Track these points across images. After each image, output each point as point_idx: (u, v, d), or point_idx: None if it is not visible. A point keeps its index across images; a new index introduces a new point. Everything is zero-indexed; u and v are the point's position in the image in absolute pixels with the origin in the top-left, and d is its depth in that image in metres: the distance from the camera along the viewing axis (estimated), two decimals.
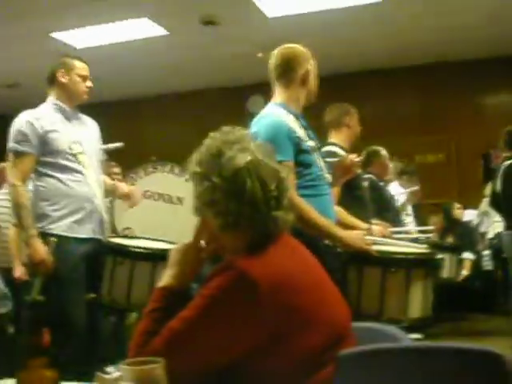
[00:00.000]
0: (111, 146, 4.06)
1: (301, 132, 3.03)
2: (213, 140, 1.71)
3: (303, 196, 2.90)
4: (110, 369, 5.22)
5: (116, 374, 4.85)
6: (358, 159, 3.43)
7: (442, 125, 9.48)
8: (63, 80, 3.65)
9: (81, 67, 3.71)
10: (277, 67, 3.20)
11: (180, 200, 4.29)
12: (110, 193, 3.98)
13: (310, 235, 2.87)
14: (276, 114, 3.02)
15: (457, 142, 9.45)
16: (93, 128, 3.84)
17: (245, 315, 1.51)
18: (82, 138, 3.64)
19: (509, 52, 8.74)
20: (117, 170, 5.86)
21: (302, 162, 2.98)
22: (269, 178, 1.65)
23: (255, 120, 3.06)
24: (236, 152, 1.64)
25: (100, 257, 3.56)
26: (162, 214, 4.21)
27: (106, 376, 4.85)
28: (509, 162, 5.26)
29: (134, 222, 4.25)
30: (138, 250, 3.57)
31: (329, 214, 3.09)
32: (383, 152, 5.77)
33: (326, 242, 3.05)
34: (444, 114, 9.45)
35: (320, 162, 3.13)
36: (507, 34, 8.11)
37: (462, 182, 9.29)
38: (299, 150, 2.97)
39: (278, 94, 3.18)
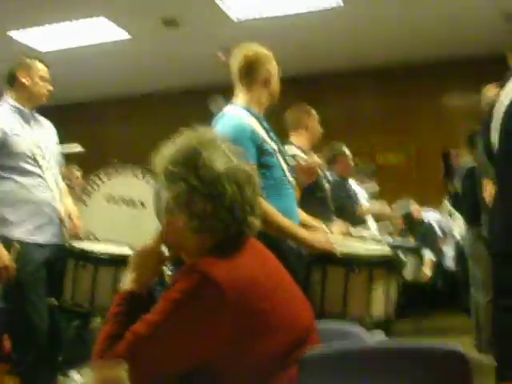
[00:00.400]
0: (69, 149, 3.98)
1: (263, 134, 3.03)
2: (188, 139, 1.69)
3: (266, 198, 2.91)
4: (72, 373, 5.20)
5: (78, 378, 4.82)
6: (318, 161, 3.45)
7: (403, 125, 9.58)
8: (24, 81, 3.56)
9: (42, 69, 3.64)
10: (239, 68, 3.19)
11: (142, 204, 4.25)
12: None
13: (274, 237, 2.88)
14: (238, 115, 3.01)
15: (417, 142, 9.56)
16: (50, 130, 3.76)
17: (208, 318, 1.51)
18: (41, 140, 3.57)
19: (468, 53, 8.87)
20: (78, 173, 5.79)
21: (264, 163, 2.97)
22: (245, 184, 1.65)
23: (217, 119, 3.04)
24: (213, 154, 1.64)
25: (60, 261, 3.51)
26: (125, 217, 4.16)
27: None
28: (467, 161, 5.33)
29: (96, 226, 4.20)
30: (101, 256, 3.53)
31: (292, 215, 3.10)
32: (347, 151, 5.80)
33: (290, 243, 3.06)
34: (404, 114, 9.56)
35: (283, 164, 3.14)
36: (467, 36, 8.24)
37: (422, 181, 9.40)
38: (262, 152, 2.96)
39: (240, 95, 3.17)
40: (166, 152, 1.69)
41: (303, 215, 3.45)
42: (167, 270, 3.68)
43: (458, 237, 7.23)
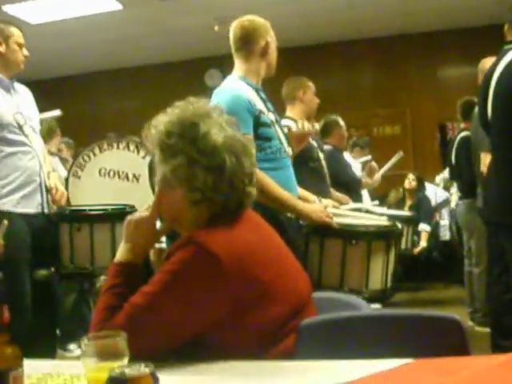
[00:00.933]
0: (48, 114, 3.94)
1: (261, 105, 3.02)
2: (183, 112, 1.67)
3: (264, 169, 2.90)
4: (71, 346, 5.22)
5: (78, 352, 4.87)
6: (312, 127, 3.44)
7: (398, 97, 9.56)
8: (0, 49, 3.46)
9: (18, 34, 3.51)
10: (236, 40, 3.18)
11: (136, 177, 4.25)
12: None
13: (272, 208, 2.89)
14: (236, 87, 3.01)
15: (412, 114, 9.55)
16: (28, 97, 3.68)
17: (207, 289, 1.52)
18: (23, 108, 3.50)
19: (463, 23, 8.83)
20: (65, 150, 5.75)
21: (262, 135, 2.97)
22: (243, 155, 1.65)
23: (215, 92, 3.04)
24: (210, 126, 1.63)
25: (48, 231, 3.52)
26: (118, 191, 4.16)
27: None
28: (463, 133, 5.32)
29: (88, 198, 4.20)
30: (95, 212, 3.58)
31: (290, 187, 3.10)
32: (341, 122, 5.77)
33: (288, 214, 3.06)
34: (400, 86, 9.53)
35: (280, 135, 3.13)
36: (461, 5, 8.19)
37: (418, 153, 9.40)
38: (259, 123, 2.96)
39: (238, 67, 3.16)
40: (161, 125, 1.66)
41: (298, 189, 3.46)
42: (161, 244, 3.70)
43: (453, 205, 7.26)
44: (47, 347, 3.53)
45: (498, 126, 2.91)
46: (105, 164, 4.22)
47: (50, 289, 3.66)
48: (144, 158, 4.18)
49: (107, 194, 4.12)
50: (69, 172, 4.28)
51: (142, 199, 3.76)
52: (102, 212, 3.59)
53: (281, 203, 2.96)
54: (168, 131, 1.64)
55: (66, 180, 4.28)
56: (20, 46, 3.51)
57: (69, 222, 3.55)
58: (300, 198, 3.21)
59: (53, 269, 3.56)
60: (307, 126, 3.46)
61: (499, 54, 3.00)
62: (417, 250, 7.13)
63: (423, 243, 7.25)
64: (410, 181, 7.73)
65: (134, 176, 4.24)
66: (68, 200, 4.22)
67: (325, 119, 5.69)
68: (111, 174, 4.25)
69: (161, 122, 1.67)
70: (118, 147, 4.28)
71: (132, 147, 4.26)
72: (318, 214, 3.02)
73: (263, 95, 3.12)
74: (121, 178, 4.24)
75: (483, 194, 3.18)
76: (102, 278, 4.66)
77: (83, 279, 4.47)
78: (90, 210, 3.59)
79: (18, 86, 3.62)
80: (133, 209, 3.48)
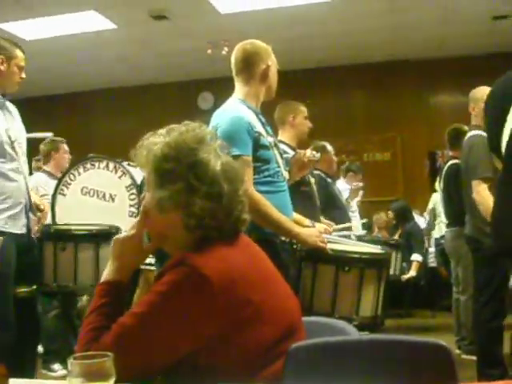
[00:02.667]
0: (39, 134, 3.95)
1: (260, 128, 3.04)
2: (180, 136, 1.65)
3: (261, 192, 2.91)
4: (55, 366, 5.17)
5: (61, 372, 4.81)
6: (315, 155, 3.46)
7: (389, 124, 9.64)
8: (1, 68, 3.46)
9: (21, 57, 3.55)
10: (237, 63, 3.20)
11: (112, 197, 4.29)
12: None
13: (266, 232, 2.90)
14: (236, 109, 3.02)
15: (403, 140, 9.61)
16: (17, 116, 3.68)
17: (196, 311, 1.51)
18: (12, 127, 3.52)
19: (455, 52, 8.93)
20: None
21: (260, 157, 2.98)
22: (237, 182, 1.66)
23: (216, 113, 3.05)
24: (209, 154, 1.62)
25: (32, 251, 3.53)
26: (97, 210, 4.19)
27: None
28: (452, 161, 5.36)
29: (71, 218, 4.23)
30: (80, 232, 3.59)
31: (286, 210, 3.11)
32: (329, 147, 5.80)
33: (283, 238, 3.06)
34: (391, 112, 9.61)
35: (278, 159, 3.14)
36: (455, 34, 8.30)
37: (407, 180, 9.47)
38: (258, 146, 2.97)
39: (239, 90, 3.18)
40: (156, 147, 1.64)
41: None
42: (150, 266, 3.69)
43: (437, 235, 7.31)
44: (28, 365, 3.50)
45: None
46: (86, 183, 4.27)
47: (31, 306, 3.64)
48: (120, 178, 4.23)
49: (88, 213, 4.14)
50: (55, 189, 4.30)
51: (116, 219, 3.80)
52: (86, 232, 3.61)
53: (277, 226, 2.97)
54: (165, 155, 1.62)
55: (53, 196, 4.30)
56: (20, 68, 3.55)
57: (53, 241, 3.56)
58: (294, 221, 3.22)
59: (34, 286, 3.55)
60: (310, 153, 3.47)
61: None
62: (405, 277, 7.14)
63: (413, 272, 7.25)
64: (388, 215, 7.88)
65: (111, 196, 4.28)
66: (53, 217, 4.23)
67: (313, 145, 5.71)
68: (91, 192, 4.29)
69: (154, 143, 1.65)
70: (98, 167, 4.33)
71: (111, 167, 4.31)
72: (314, 239, 3.03)
73: (262, 118, 3.14)
74: (99, 197, 4.28)
75: (493, 222, 3.15)
76: (84, 298, 4.64)
77: (65, 298, 4.45)
78: (76, 230, 3.60)
79: (9, 104, 3.63)
80: (118, 230, 3.51)
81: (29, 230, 3.53)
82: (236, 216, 1.65)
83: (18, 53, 3.55)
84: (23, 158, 3.55)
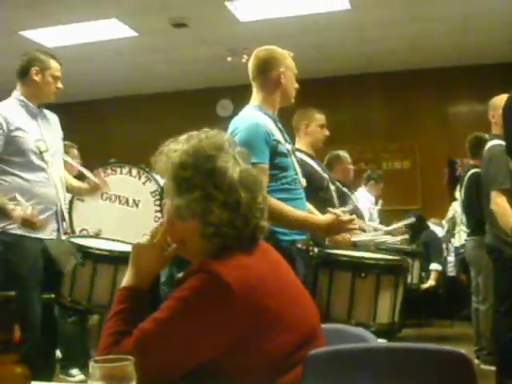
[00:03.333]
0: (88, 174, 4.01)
1: (278, 135, 3.03)
2: (199, 144, 1.65)
3: (279, 199, 2.90)
4: (74, 371, 5.19)
5: (79, 377, 4.82)
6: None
7: (408, 132, 9.59)
8: (36, 78, 3.56)
9: (56, 68, 3.64)
10: (252, 69, 3.21)
11: (136, 203, 4.29)
12: (74, 191, 4.00)
13: (282, 239, 2.89)
14: (254, 116, 3.02)
15: (422, 149, 9.56)
16: (55, 125, 3.77)
17: (217, 318, 1.51)
18: (46, 136, 3.58)
19: (475, 61, 8.89)
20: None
21: (278, 164, 2.98)
22: (256, 190, 1.65)
23: (234, 120, 3.06)
24: (227, 161, 1.62)
25: (59, 257, 3.52)
26: (118, 216, 4.19)
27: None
28: (473, 170, 5.33)
29: (90, 223, 4.24)
30: (101, 252, 3.55)
31: None
32: (344, 156, 5.77)
33: (299, 245, 3.05)
34: (410, 121, 9.57)
35: (296, 166, 3.13)
36: (474, 44, 8.26)
37: (426, 188, 9.41)
38: (276, 153, 2.96)
39: (255, 96, 3.18)
40: (175, 154, 1.64)
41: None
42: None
43: (458, 244, 7.25)
44: (46, 370, 3.52)
45: None
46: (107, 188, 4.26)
47: (51, 312, 3.69)
48: (144, 184, 4.23)
49: (108, 219, 4.15)
50: (73, 195, 4.33)
51: (141, 224, 3.79)
52: (107, 253, 3.58)
53: (294, 223, 2.93)
54: (183, 163, 1.62)
55: (70, 202, 4.32)
56: (55, 78, 3.63)
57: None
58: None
59: (53, 295, 3.57)
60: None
61: None
62: (424, 287, 7.09)
63: (432, 282, 7.20)
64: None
65: (134, 201, 4.28)
66: (71, 223, 4.26)
67: (328, 155, 5.71)
68: (113, 198, 4.29)
69: (174, 150, 1.65)
70: (121, 172, 4.33)
71: (134, 173, 4.31)
72: (334, 227, 2.93)
73: (280, 125, 3.13)
74: (121, 202, 4.28)
75: None
76: (95, 317, 4.65)
77: (77, 313, 4.44)
78: (97, 249, 3.57)
79: (47, 113, 3.72)
80: None
81: (59, 235, 3.57)
82: (254, 224, 1.64)
83: (53, 63, 3.63)
84: (56, 167, 3.60)
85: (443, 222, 8.02)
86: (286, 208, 2.89)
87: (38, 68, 3.57)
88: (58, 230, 3.57)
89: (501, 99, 4.15)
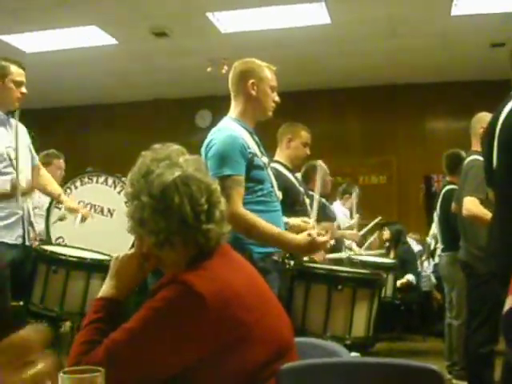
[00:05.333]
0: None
1: (254, 147, 3.02)
2: (143, 159, 1.70)
3: (254, 211, 2.89)
4: None
5: None
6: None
7: (385, 147, 9.67)
8: None
9: (17, 73, 3.55)
10: (230, 80, 3.20)
11: (110, 212, 4.28)
12: (52, 197, 4.00)
13: (258, 252, 2.87)
14: (231, 128, 3.01)
15: (399, 164, 9.64)
16: (23, 133, 3.72)
17: (189, 329, 1.51)
18: (15, 143, 3.53)
19: (453, 78, 8.99)
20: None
21: (254, 177, 2.96)
22: (198, 192, 1.64)
23: (211, 132, 3.04)
24: (164, 169, 1.64)
25: (26, 263, 3.51)
26: (93, 225, 4.17)
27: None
28: (448, 186, 5.36)
29: (65, 231, 4.21)
30: (73, 259, 3.53)
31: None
32: (323, 168, 5.76)
33: (275, 258, 3.03)
34: (387, 136, 9.64)
35: (271, 179, 3.13)
36: (453, 61, 8.35)
37: (402, 203, 9.47)
38: (252, 166, 2.94)
39: (233, 108, 3.17)
40: (129, 175, 1.71)
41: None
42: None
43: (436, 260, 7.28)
44: None
45: (501, 177, 2.90)
46: (84, 197, 4.26)
47: (21, 320, 3.62)
48: (119, 193, 4.22)
49: (84, 228, 4.12)
50: (50, 203, 4.30)
51: (115, 234, 3.78)
52: (79, 260, 3.56)
53: (268, 237, 2.86)
54: (130, 180, 1.68)
55: (48, 210, 4.30)
56: (17, 84, 3.54)
57: (46, 263, 3.52)
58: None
59: (21, 302, 3.52)
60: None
61: (503, 102, 2.98)
62: (403, 282, 7.09)
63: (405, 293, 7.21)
64: (385, 234, 7.83)
65: (109, 210, 4.27)
66: (48, 231, 4.22)
67: (305, 166, 5.69)
68: (88, 207, 4.28)
69: (130, 172, 1.71)
70: (97, 181, 4.33)
71: (110, 182, 4.31)
72: (306, 245, 2.91)
73: (256, 138, 3.12)
74: (96, 211, 4.27)
75: (487, 241, 3.15)
76: (68, 324, 4.61)
77: (49, 320, 4.40)
78: (70, 256, 3.55)
79: (13, 121, 3.65)
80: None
81: (24, 241, 3.52)
82: (196, 227, 1.63)
83: (13, 68, 3.54)
84: (25, 173, 3.56)
85: (427, 238, 8.05)
86: (263, 224, 2.87)
87: None
88: (23, 237, 3.52)
89: (480, 117, 4.19)
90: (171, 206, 1.61)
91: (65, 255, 3.56)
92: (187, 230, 1.63)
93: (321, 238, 2.85)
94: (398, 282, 6.93)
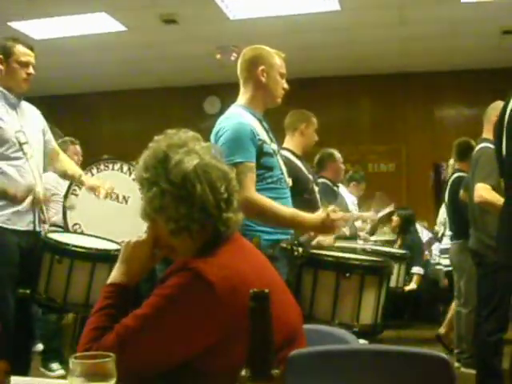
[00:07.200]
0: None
1: (264, 135, 3.02)
2: (158, 144, 1.69)
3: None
4: (54, 365, 5.16)
5: (59, 372, 4.78)
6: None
7: (395, 134, 9.64)
8: (1, 67, 3.42)
9: (21, 53, 3.44)
10: (239, 67, 3.19)
11: (125, 199, 4.29)
12: (73, 180, 3.99)
13: (268, 240, 2.88)
14: (240, 115, 3.01)
15: (408, 152, 9.61)
16: (36, 117, 3.68)
17: (199, 315, 1.51)
18: (26, 127, 3.50)
19: (463, 66, 8.93)
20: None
21: (264, 164, 2.97)
22: (218, 180, 1.65)
23: (220, 119, 3.04)
24: (183, 155, 1.64)
25: (36, 251, 3.49)
26: (109, 212, 4.18)
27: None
28: (457, 174, 5.35)
29: (82, 218, 4.22)
30: (77, 249, 3.50)
31: None
32: (337, 155, 5.76)
33: (283, 245, 3.04)
34: (397, 124, 9.61)
35: (281, 165, 3.13)
36: (463, 48, 8.30)
37: (411, 191, 9.45)
38: (262, 153, 2.95)
39: (242, 95, 3.16)
40: (141, 159, 1.69)
41: None
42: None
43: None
44: (19, 365, 3.47)
45: (510, 166, 2.88)
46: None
47: (29, 307, 3.63)
48: (134, 180, 4.21)
49: (99, 214, 4.13)
50: (68, 189, 4.30)
51: (129, 221, 3.78)
52: (84, 251, 3.52)
53: (283, 220, 2.91)
54: (145, 165, 1.67)
55: (65, 197, 4.31)
56: (22, 64, 3.45)
57: (51, 252, 3.48)
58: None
59: (28, 291, 3.50)
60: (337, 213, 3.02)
61: None
62: (406, 289, 7.11)
63: (414, 285, 7.21)
64: (394, 220, 7.79)
65: (124, 198, 4.27)
66: (65, 217, 4.23)
67: (320, 153, 5.71)
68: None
69: (143, 155, 1.70)
70: (112, 168, 4.33)
71: (125, 169, 4.32)
72: (320, 223, 2.90)
73: (265, 125, 3.12)
74: (112, 198, 4.26)
75: (497, 232, 3.13)
76: (70, 315, 4.62)
77: (53, 311, 4.38)
78: (74, 246, 3.50)
79: (26, 105, 3.62)
80: (118, 252, 3.44)
81: (35, 227, 3.51)
82: (216, 216, 1.64)
83: (18, 49, 3.44)
84: (36, 158, 3.53)
85: (436, 227, 8.04)
86: (277, 206, 2.89)
87: (1, 56, 3.42)
88: (34, 222, 3.50)
89: (495, 106, 4.14)
90: (193, 194, 1.61)
91: (69, 245, 3.52)
92: (208, 218, 1.63)
93: (334, 215, 2.87)
94: (406, 288, 6.88)
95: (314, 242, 3.61)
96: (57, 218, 4.61)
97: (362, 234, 6.57)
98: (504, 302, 4.20)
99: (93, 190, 3.78)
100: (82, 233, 4.10)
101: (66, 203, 4.27)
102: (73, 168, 3.96)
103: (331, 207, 2.97)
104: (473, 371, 4.48)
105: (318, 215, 2.91)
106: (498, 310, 4.17)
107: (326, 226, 2.91)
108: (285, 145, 4.45)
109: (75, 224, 4.26)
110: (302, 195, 4.04)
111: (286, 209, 2.94)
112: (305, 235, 3.47)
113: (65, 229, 4.23)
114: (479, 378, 4.20)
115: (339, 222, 2.97)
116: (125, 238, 1.78)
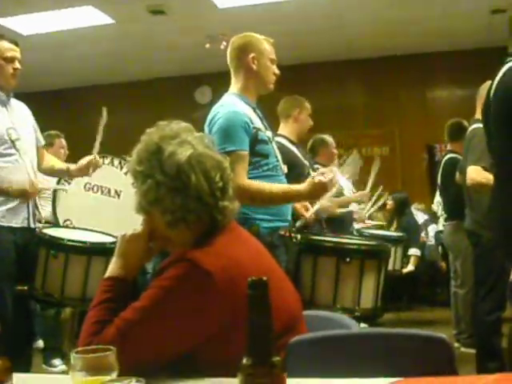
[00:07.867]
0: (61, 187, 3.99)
1: (258, 122, 3.02)
2: (150, 136, 1.69)
3: None
4: (56, 361, 5.17)
5: (61, 367, 4.78)
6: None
7: (387, 118, 9.64)
8: None
9: (6, 48, 3.44)
10: (228, 55, 3.19)
11: (117, 193, 4.28)
12: (62, 175, 3.95)
13: (266, 227, 2.88)
14: (233, 104, 3.01)
15: (401, 135, 9.61)
16: (26, 114, 3.68)
17: (198, 305, 1.52)
18: (17, 124, 3.50)
19: (454, 46, 8.92)
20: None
21: (259, 152, 2.97)
22: (212, 170, 1.65)
23: (214, 108, 3.04)
24: (176, 147, 1.64)
25: (31, 247, 3.49)
26: (101, 206, 4.18)
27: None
28: (450, 154, 5.36)
29: (73, 213, 4.21)
30: (72, 244, 3.50)
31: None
32: (330, 140, 5.77)
33: (281, 232, 3.05)
34: (389, 107, 9.61)
35: (276, 153, 3.13)
36: (453, 29, 8.29)
37: (405, 174, 9.46)
38: (257, 140, 2.95)
39: (234, 83, 3.16)
40: (134, 152, 1.69)
41: None
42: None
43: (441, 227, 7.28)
44: (20, 362, 3.47)
45: (497, 142, 2.88)
46: (91, 179, 4.23)
47: (27, 303, 3.63)
48: (126, 174, 4.20)
49: (90, 209, 4.12)
50: (57, 184, 4.29)
51: (122, 215, 3.78)
52: (79, 244, 3.52)
53: (280, 198, 2.94)
54: (138, 158, 1.67)
55: (54, 192, 4.29)
56: (8, 60, 3.44)
57: (46, 248, 3.50)
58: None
59: (26, 287, 3.50)
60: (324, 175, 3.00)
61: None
62: (404, 271, 7.13)
63: (411, 267, 7.24)
64: (389, 204, 7.80)
65: (116, 192, 4.26)
66: (54, 213, 4.22)
67: (312, 139, 5.71)
68: (95, 188, 4.27)
69: (135, 149, 1.70)
70: (103, 162, 4.31)
71: (116, 163, 4.30)
72: (316, 190, 2.93)
73: (259, 112, 3.12)
74: (103, 193, 4.26)
75: (488, 212, 3.14)
76: (68, 310, 4.62)
77: (51, 305, 4.38)
78: (69, 241, 3.52)
79: (14, 102, 3.61)
80: (114, 245, 3.43)
81: (29, 224, 3.50)
82: (212, 205, 1.64)
83: (2, 45, 3.43)
84: (28, 155, 3.53)
85: (433, 206, 8.05)
86: (267, 186, 2.90)
87: None
88: (28, 219, 3.50)
89: (486, 86, 4.14)
90: (188, 184, 1.61)
91: (64, 239, 3.52)
92: (204, 207, 1.63)
93: (325, 178, 2.86)
94: (403, 271, 6.87)
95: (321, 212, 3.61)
96: (46, 213, 4.59)
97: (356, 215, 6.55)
98: (501, 280, 4.23)
99: (82, 171, 3.71)
100: (75, 227, 4.10)
101: (58, 199, 4.26)
102: (59, 164, 3.94)
103: (318, 171, 2.98)
104: (472, 351, 4.51)
105: (307, 181, 2.92)
106: (495, 289, 4.19)
107: (318, 188, 2.91)
108: (279, 132, 4.46)
109: (66, 220, 4.25)
110: (298, 181, 4.05)
111: (277, 186, 2.95)
112: (301, 219, 3.48)
113: (56, 224, 4.22)
114: (479, 357, 4.23)
115: (330, 180, 2.93)
116: (118, 233, 1.78)
